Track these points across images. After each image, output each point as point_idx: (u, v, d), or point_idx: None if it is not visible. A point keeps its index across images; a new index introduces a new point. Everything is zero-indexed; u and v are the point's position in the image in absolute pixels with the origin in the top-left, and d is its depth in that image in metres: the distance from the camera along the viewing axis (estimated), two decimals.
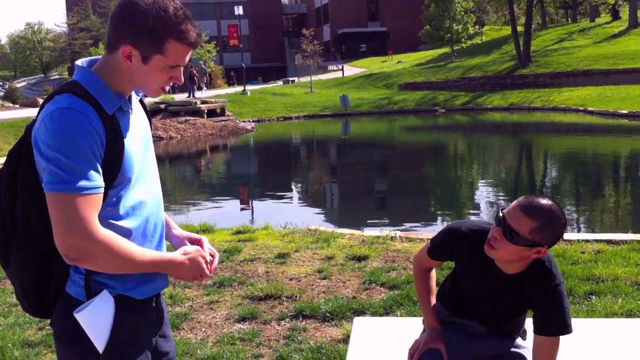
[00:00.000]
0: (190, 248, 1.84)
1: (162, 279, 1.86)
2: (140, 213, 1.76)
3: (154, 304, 1.84)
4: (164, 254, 1.77)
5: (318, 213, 11.02)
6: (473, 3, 53.55)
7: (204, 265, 1.82)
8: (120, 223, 1.70)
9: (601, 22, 49.71)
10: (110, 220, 1.69)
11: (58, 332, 1.76)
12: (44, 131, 1.58)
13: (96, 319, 1.67)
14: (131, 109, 1.77)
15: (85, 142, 1.57)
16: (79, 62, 1.74)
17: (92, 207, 1.59)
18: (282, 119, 33.51)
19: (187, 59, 1.72)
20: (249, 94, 36.96)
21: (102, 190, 1.62)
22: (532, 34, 39.91)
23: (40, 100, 35.41)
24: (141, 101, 1.92)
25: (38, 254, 1.69)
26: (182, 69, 1.73)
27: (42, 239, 1.66)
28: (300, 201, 12.80)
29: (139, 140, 1.78)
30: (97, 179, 1.60)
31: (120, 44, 1.64)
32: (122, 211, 1.71)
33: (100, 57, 1.75)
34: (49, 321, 1.83)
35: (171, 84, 1.78)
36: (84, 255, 1.59)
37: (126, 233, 1.71)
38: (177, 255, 1.79)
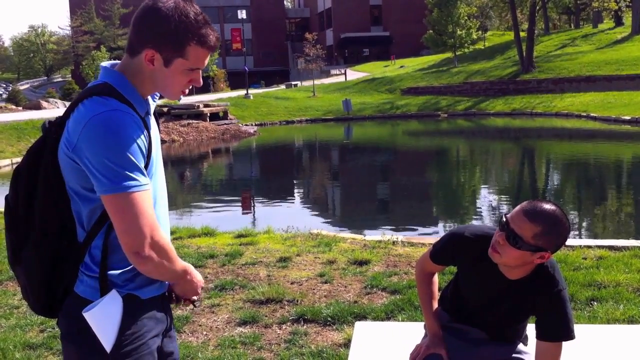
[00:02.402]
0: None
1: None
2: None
3: (160, 304, 1.85)
4: (187, 264, 1.85)
5: (320, 217, 11.01)
6: (476, 8, 53.56)
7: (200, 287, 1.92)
8: None
9: (604, 28, 49.72)
10: None
11: (64, 332, 1.77)
12: (95, 134, 1.58)
13: (104, 318, 1.68)
14: (150, 114, 1.81)
15: (138, 141, 1.63)
16: (105, 64, 1.77)
17: (151, 202, 1.67)
18: (284, 122, 33.54)
19: (206, 62, 1.76)
20: (251, 97, 37.01)
21: (150, 189, 1.69)
22: (535, 40, 39.94)
23: (43, 103, 35.53)
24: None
25: (52, 252, 1.70)
26: (200, 72, 1.76)
27: (57, 238, 1.68)
28: (302, 205, 12.80)
29: (156, 142, 1.83)
30: (146, 175, 1.67)
31: (142, 47, 1.67)
32: None
33: (120, 61, 1.77)
34: (50, 323, 1.84)
35: (190, 86, 1.81)
36: (153, 251, 1.64)
37: None
38: (191, 267, 1.86)
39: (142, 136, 1.65)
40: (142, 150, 1.65)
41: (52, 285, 1.74)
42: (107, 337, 1.68)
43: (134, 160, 1.60)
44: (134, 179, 1.60)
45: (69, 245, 1.67)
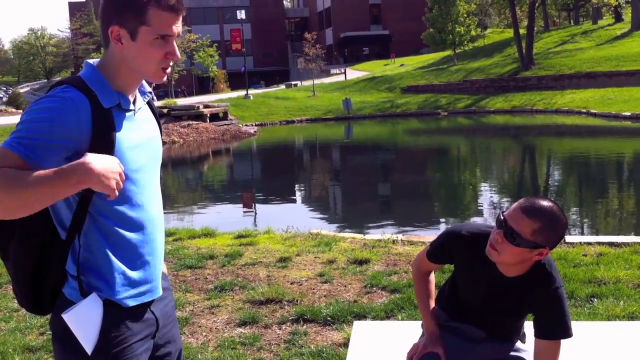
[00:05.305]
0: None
1: (152, 288, 1.84)
2: (136, 221, 1.76)
3: (147, 310, 1.83)
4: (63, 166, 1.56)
5: (320, 217, 11.02)
6: (475, 6, 53.51)
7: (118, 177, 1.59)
8: (118, 229, 1.72)
9: (604, 24, 49.69)
10: (110, 226, 1.70)
11: (53, 332, 1.77)
12: (25, 111, 1.64)
13: (84, 321, 1.67)
14: (134, 110, 1.77)
15: (49, 126, 1.57)
16: (89, 61, 1.77)
17: (11, 166, 1.52)
18: (284, 122, 33.55)
19: (176, 29, 1.69)
20: (251, 97, 37.03)
21: (26, 161, 1.54)
22: (535, 37, 39.91)
23: None
24: (152, 109, 1.91)
25: (38, 246, 1.70)
26: (174, 42, 1.71)
27: (42, 232, 1.67)
28: (302, 205, 12.80)
29: (139, 145, 1.77)
30: (34, 154, 1.55)
31: (107, 28, 1.67)
32: (118, 218, 1.72)
33: None
34: (49, 326, 1.84)
35: (171, 63, 1.75)
36: None
37: (120, 239, 1.72)
38: (84, 159, 1.55)
39: (67, 124, 1.58)
40: (51, 134, 1.56)
41: (39, 280, 1.72)
42: (87, 340, 1.67)
43: (34, 134, 1.56)
44: (17, 140, 1.56)
45: (52, 241, 1.66)
